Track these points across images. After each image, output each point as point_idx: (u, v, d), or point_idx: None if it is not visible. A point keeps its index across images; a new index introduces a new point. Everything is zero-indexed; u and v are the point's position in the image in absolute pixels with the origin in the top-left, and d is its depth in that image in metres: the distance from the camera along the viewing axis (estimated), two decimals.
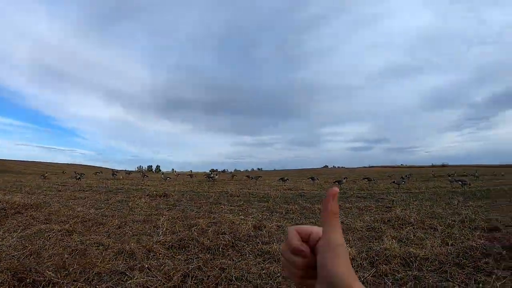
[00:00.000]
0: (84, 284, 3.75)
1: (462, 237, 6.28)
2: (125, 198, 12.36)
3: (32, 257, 4.72)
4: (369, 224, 7.79)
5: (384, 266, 4.73)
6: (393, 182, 22.21)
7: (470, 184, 18.54)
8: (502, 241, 5.75)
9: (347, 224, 7.80)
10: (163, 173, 35.92)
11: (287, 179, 25.88)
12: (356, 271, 4.54)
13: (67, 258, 4.56)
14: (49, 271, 3.93)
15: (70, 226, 6.76)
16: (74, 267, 4.25)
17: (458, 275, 4.39)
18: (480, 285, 4.00)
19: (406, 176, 29.05)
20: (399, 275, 4.48)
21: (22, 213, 8.47)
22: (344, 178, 22.87)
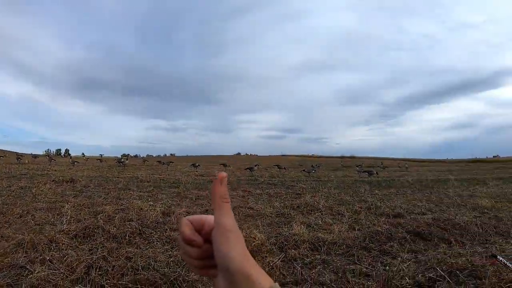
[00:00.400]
0: None
1: (368, 223, 6.78)
2: (29, 184, 11.70)
3: None
4: (279, 210, 8.13)
5: (293, 251, 4.99)
6: (303, 170, 23.01)
7: (377, 174, 19.77)
8: (405, 227, 6.30)
9: (257, 210, 8.07)
10: (71, 157, 34.41)
11: (198, 165, 25.88)
12: (266, 256, 4.75)
13: None
14: None
15: None
16: None
17: (365, 258, 4.76)
18: (387, 267, 4.37)
19: (316, 165, 30.25)
20: (308, 259, 4.73)
21: None
22: (256, 165, 23.21)
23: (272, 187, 13.50)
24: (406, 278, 3.44)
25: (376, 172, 20.05)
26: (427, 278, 3.43)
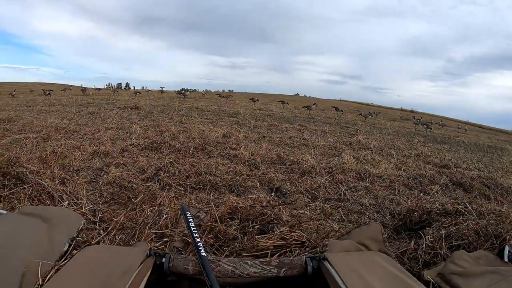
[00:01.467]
0: (65, 174, 4.05)
1: (414, 166, 6.84)
2: (97, 110, 12.41)
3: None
4: (332, 144, 8.37)
5: (340, 175, 5.26)
6: (360, 114, 22.65)
7: (432, 129, 19.22)
8: (450, 176, 6.28)
9: (311, 142, 8.31)
10: (134, 88, 35.61)
11: (257, 99, 25.97)
12: (314, 177, 5.07)
13: (45, 156, 4.81)
14: (31, 165, 4.18)
15: (45, 134, 6.92)
16: (53, 163, 4.52)
17: (404, 192, 4.94)
18: (422, 194, 4.56)
19: (374, 113, 29.60)
20: (352, 184, 5.02)
21: None
22: (314, 104, 22.99)
23: (327, 125, 13.63)
24: (437, 203, 3.57)
25: (433, 127, 19.47)
26: (456, 209, 3.56)
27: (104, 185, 3.94)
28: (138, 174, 4.41)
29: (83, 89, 31.94)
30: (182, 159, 5.27)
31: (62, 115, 10.93)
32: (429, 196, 4.56)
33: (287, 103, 26.21)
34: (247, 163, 5.39)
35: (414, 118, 27.26)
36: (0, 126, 8.42)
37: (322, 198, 4.25)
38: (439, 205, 3.53)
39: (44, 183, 3.42)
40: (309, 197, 4.28)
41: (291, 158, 5.96)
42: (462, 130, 32.47)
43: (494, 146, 17.11)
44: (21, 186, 3.45)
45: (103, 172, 4.48)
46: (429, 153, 9.08)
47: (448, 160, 8.38)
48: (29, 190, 3.32)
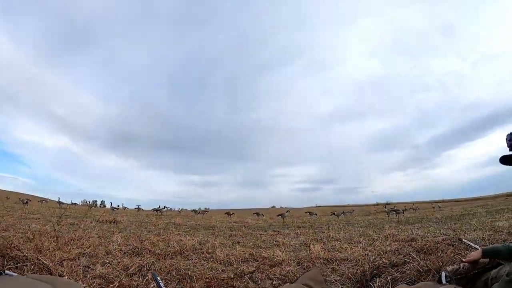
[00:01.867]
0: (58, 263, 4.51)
1: (381, 246, 7.18)
2: (77, 222, 12.73)
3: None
4: (303, 241, 8.88)
5: (308, 263, 5.79)
6: (333, 213, 23.56)
7: (403, 212, 20.06)
8: (415, 246, 6.66)
9: (283, 242, 8.79)
10: (111, 204, 35.82)
11: (233, 213, 26.51)
12: (284, 267, 5.58)
13: (40, 246, 5.27)
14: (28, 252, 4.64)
15: (30, 235, 7.27)
16: (47, 253, 4.96)
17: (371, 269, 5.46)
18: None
19: (348, 212, 30.39)
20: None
21: None
22: (287, 212, 23.97)
23: (301, 228, 14.02)
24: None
25: (403, 211, 20.41)
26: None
27: (91, 278, 4.38)
28: (122, 271, 4.83)
29: (60, 202, 32.17)
30: (163, 260, 5.73)
31: (43, 222, 11.20)
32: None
33: (262, 214, 26.79)
34: (222, 262, 5.87)
35: (385, 208, 27.84)
36: None
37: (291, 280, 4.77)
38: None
39: (45, 262, 3.94)
40: (279, 282, 4.76)
41: (262, 254, 6.45)
42: (436, 208, 33.25)
43: (467, 213, 17.60)
44: (24, 263, 4.00)
45: (89, 269, 4.90)
46: (396, 232, 9.43)
47: (416, 234, 8.60)
48: (31, 266, 3.85)
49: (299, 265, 5.72)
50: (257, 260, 6.16)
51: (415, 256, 4.11)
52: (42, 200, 33.88)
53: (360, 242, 8.24)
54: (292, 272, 5.17)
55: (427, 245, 6.22)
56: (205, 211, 33.04)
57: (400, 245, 7.05)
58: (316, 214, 25.61)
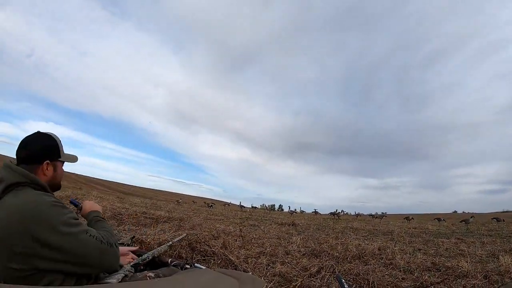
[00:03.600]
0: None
1: None
2: (257, 224, 13.45)
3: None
4: (490, 252, 7.97)
5: (496, 277, 5.10)
6: None
7: None
8: None
9: (468, 251, 7.98)
10: (289, 208, 37.27)
11: (412, 218, 25.25)
12: (469, 279, 4.97)
13: (227, 243, 5.69)
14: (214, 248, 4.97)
15: (215, 233, 7.88)
16: (233, 249, 5.25)
17: None
18: None
19: None
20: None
21: (170, 222, 9.95)
22: (471, 217, 21.77)
23: (487, 237, 12.62)
24: None
25: None
26: None
27: (271, 276, 4.45)
28: (301, 271, 4.81)
29: (242, 206, 34.54)
30: (341, 263, 5.58)
31: (226, 223, 12.08)
32: None
33: (444, 220, 25.00)
34: (402, 269, 5.47)
35: None
36: (175, 223, 9.85)
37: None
38: None
39: (231, 258, 4.14)
40: None
41: (446, 264, 5.89)
42: None
43: None
44: (211, 257, 4.28)
45: (269, 267, 4.99)
46: None
47: None
48: (218, 261, 4.09)
49: (486, 279, 5.05)
50: (440, 270, 5.63)
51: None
52: (225, 204, 36.88)
53: None
54: (478, 286, 4.58)
55: None
56: (383, 215, 32.13)
57: None
58: (503, 220, 22.83)
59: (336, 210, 29.69)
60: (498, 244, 9.94)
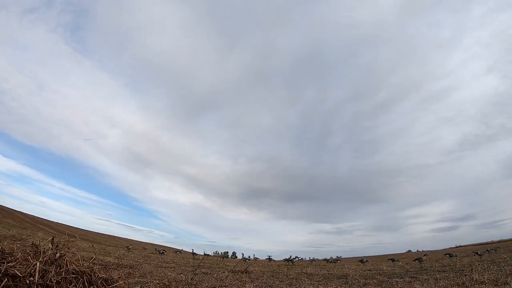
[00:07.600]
0: None
1: None
2: (210, 272, 13.00)
3: None
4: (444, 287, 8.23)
5: None
6: (475, 253, 22.10)
7: None
8: None
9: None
10: (243, 255, 36.48)
11: (366, 261, 25.30)
12: None
13: None
14: None
15: (167, 282, 7.43)
16: None
17: None
18: None
19: (492, 249, 27.39)
20: None
21: (119, 270, 9.38)
22: (424, 255, 22.15)
23: (440, 273, 12.89)
24: None
25: None
26: None
27: None
28: None
29: (194, 253, 33.57)
30: None
31: (178, 271, 11.58)
32: None
33: (398, 260, 25.27)
34: None
35: None
36: (125, 270, 9.33)
37: None
38: None
39: None
40: None
41: None
42: None
43: None
44: None
45: None
46: None
47: None
48: None
49: None
50: None
51: None
52: (177, 251, 35.72)
53: (508, 283, 7.47)
54: None
55: None
56: (338, 259, 32.04)
57: None
58: (456, 256, 23.36)
59: (290, 256, 29.23)
60: (452, 278, 10.09)
